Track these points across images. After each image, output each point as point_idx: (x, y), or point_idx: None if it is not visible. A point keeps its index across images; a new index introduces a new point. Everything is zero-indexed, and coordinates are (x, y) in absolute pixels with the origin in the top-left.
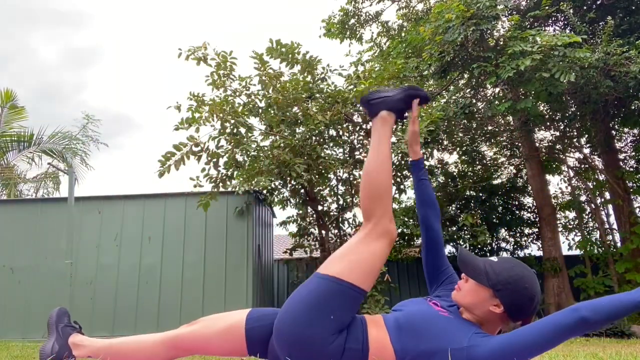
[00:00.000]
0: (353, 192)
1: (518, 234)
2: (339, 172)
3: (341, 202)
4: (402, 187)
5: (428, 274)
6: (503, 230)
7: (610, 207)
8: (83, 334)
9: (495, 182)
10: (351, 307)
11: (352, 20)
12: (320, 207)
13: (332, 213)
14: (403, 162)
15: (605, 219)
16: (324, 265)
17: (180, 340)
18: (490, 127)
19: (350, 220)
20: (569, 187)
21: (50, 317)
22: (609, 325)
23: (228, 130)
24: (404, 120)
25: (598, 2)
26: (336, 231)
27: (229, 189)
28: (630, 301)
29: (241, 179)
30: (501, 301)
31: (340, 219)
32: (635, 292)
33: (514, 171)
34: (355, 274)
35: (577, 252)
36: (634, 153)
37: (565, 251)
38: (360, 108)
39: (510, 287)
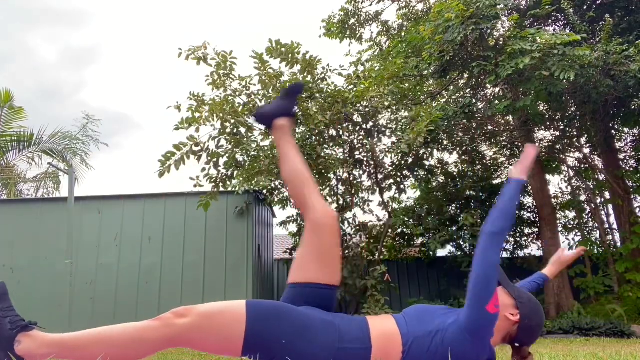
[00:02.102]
0: (353, 192)
1: (518, 234)
2: (339, 172)
3: (341, 202)
4: (402, 187)
5: None
6: None
7: (610, 207)
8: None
9: (495, 182)
10: (272, 324)
11: (352, 20)
12: None
13: None
14: (403, 162)
15: (605, 219)
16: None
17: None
18: (490, 127)
19: (350, 220)
20: (569, 187)
21: None
22: (510, 223)
23: (228, 130)
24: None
25: (598, 2)
26: None
27: (229, 189)
28: (508, 190)
29: (241, 178)
30: (520, 312)
31: (340, 219)
32: (509, 183)
33: None
34: (231, 335)
35: None
36: (634, 153)
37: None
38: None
39: (530, 306)
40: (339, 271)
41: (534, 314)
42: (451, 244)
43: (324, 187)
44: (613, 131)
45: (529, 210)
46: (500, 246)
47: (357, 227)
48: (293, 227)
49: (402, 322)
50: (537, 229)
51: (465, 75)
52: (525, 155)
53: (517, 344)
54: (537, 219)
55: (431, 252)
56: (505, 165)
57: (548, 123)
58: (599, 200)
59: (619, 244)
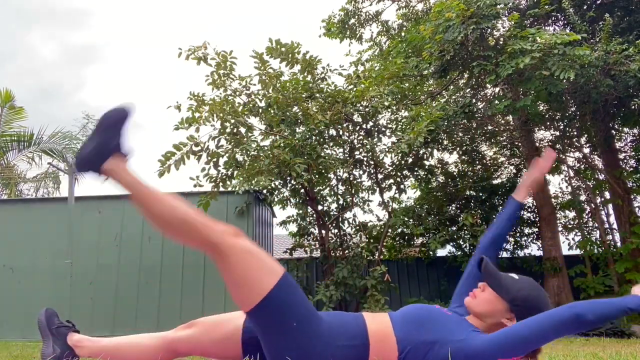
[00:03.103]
0: (353, 192)
1: (518, 234)
2: (339, 172)
3: (341, 201)
4: (402, 187)
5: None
6: None
7: (610, 206)
8: (78, 331)
9: (495, 182)
10: (294, 300)
11: (352, 20)
12: (320, 207)
13: (332, 213)
14: (403, 162)
15: (605, 219)
16: (241, 304)
17: (178, 344)
18: (490, 127)
19: (350, 220)
20: (569, 187)
21: (39, 321)
22: (600, 325)
23: (228, 130)
24: (127, 154)
25: (598, 2)
26: (336, 231)
27: (229, 189)
28: (621, 304)
29: (241, 178)
30: (515, 316)
31: (340, 219)
32: (628, 298)
33: (514, 171)
34: (260, 282)
35: (577, 251)
36: (633, 153)
37: (565, 251)
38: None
39: (527, 305)
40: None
41: (535, 312)
42: (451, 243)
43: (324, 187)
44: (613, 131)
45: (529, 210)
46: (573, 332)
47: (357, 227)
48: (293, 227)
49: (398, 323)
50: (537, 229)
51: (466, 75)
52: None
53: None
54: (537, 219)
55: (431, 252)
56: (505, 165)
57: (548, 123)
58: (599, 200)
59: (619, 244)
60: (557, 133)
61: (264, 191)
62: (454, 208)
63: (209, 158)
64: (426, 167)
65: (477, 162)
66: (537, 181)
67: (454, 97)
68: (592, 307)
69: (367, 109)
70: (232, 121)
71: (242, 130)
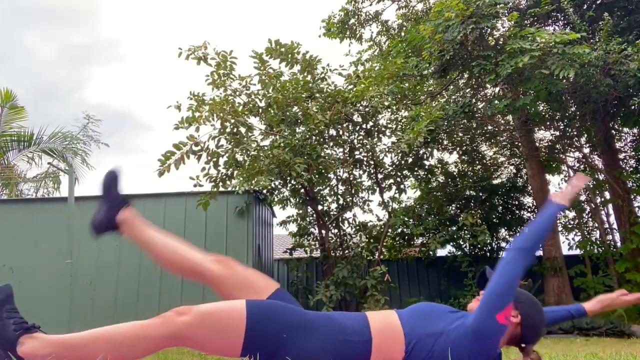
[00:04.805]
0: (353, 192)
1: (518, 234)
2: (339, 171)
3: (341, 201)
4: (402, 187)
5: None
6: (503, 230)
7: (610, 206)
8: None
9: (495, 182)
10: (272, 319)
11: (352, 20)
12: (320, 207)
13: (332, 213)
14: (403, 162)
15: (605, 219)
16: (230, 356)
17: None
18: (490, 127)
19: (350, 220)
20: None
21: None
22: (540, 243)
23: (228, 130)
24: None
25: (597, 1)
26: (336, 231)
27: (229, 189)
28: (550, 213)
29: (241, 178)
30: (520, 312)
31: (340, 219)
32: (549, 205)
33: (514, 171)
34: (233, 331)
35: (577, 251)
36: (633, 153)
37: (565, 251)
38: None
39: (529, 303)
40: (267, 282)
41: (535, 312)
42: (451, 243)
43: (324, 187)
44: (613, 131)
45: (529, 210)
46: (526, 263)
47: (357, 227)
48: (293, 227)
49: (406, 319)
50: None
51: (465, 75)
52: (572, 185)
53: (523, 344)
54: None
55: (431, 252)
56: (505, 165)
57: (548, 123)
58: (599, 200)
59: (619, 244)
60: (557, 133)
61: (264, 191)
62: (454, 208)
63: (209, 158)
64: (426, 167)
65: (477, 162)
66: (608, 304)
67: (454, 97)
68: (524, 233)
69: (367, 109)
70: (232, 121)
71: (242, 130)
